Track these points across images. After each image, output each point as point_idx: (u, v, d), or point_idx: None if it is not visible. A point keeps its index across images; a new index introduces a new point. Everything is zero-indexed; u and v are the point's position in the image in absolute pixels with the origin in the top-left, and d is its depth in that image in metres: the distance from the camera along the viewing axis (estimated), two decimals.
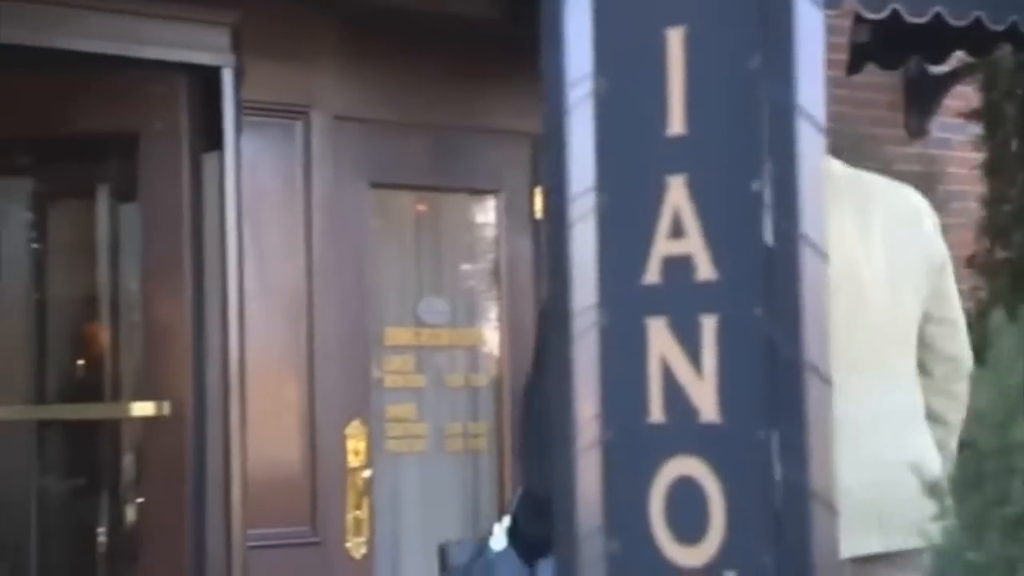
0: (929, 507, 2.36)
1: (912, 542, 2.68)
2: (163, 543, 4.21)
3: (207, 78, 4.33)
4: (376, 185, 5.20)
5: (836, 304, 2.91)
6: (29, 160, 4.97)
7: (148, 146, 4.32)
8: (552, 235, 1.99)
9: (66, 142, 4.65)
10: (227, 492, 4.27)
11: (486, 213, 5.56)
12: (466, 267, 5.58)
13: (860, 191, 3.11)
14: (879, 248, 3.03)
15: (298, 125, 4.93)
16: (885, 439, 2.92)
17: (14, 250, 4.93)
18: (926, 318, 3.08)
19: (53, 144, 4.72)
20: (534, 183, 5.47)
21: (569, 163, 1.94)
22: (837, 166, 3.12)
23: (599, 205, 1.95)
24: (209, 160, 4.42)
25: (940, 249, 3.14)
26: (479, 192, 5.52)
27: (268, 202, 4.70)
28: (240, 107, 4.35)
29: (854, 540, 2.71)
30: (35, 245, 5.09)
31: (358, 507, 4.82)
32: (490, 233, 5.53)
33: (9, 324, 4.89)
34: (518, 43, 5.05)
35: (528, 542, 2.29)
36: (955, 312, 3.13)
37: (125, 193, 4.82)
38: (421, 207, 5.57)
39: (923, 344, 3.09)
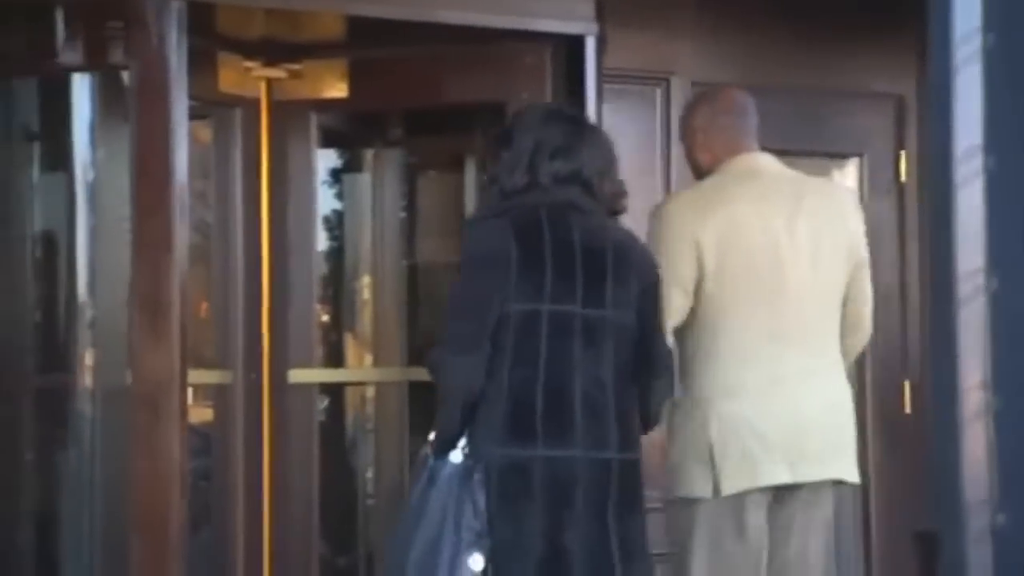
0: (838, 446, 3.58)
1: (820, 475, 3.59)
2: None
3: (569, 47, 4.39)
4: None
5: (760, 281, 3.51)
6: (401, 132, 5.17)
7: None
8: (935, 198, 1.94)
9: (436, 113, 4.81)
10: None
11: (847, 177, 5.46)
12: None
13: (792, 186, 3.69)
14: (804, 236, 3.61)
15: (658, 92, 4.97)
16: (804, 388, 3.59)
17: (388, 218, 5.14)
18: (843, 300, 3.71)
19: (424, 116, 4.89)
20: (899, 146, 5.34)
21: (955, 123, 1.89)
22: (771, 161, 3.74)
23: (987, 166, 1.89)
24: None
25: (861, 250, 3.73)
26: (839, 156, 5.42)
27: (629, 168, 4.70)
28: (602, 75, 4.40)
29: (769, 473, 3.54)
30: (403, 214, 5.29)
31: None
32: None
33: (383, 289, 5.11)
34: (886, 3, 4.95)
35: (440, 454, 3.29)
36: (864, 303, 3.76)
37: None
38: None
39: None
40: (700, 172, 3.81)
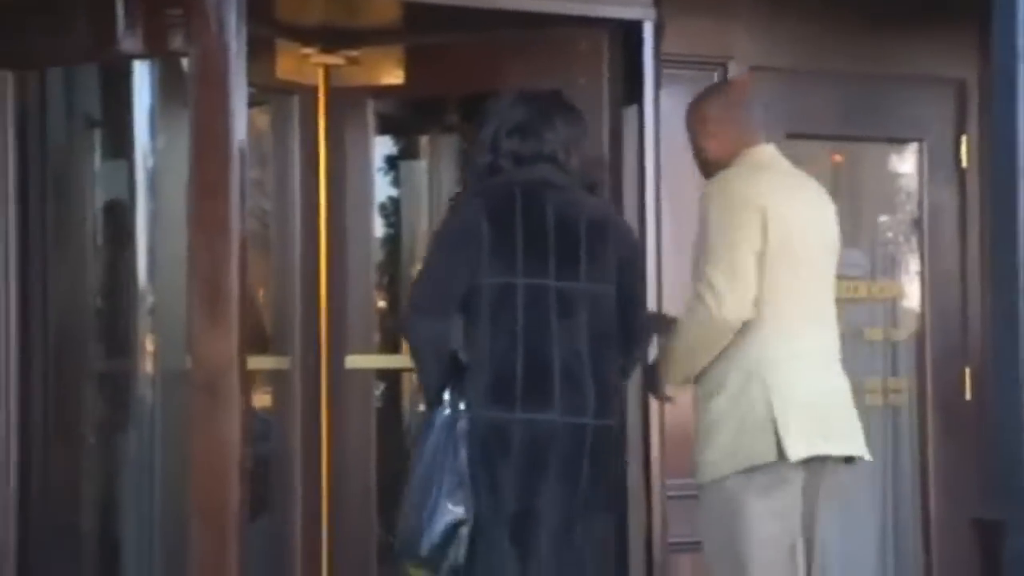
0: (854, 423, 3.75)
1: (844, 449, 3.70)
2: None
3: (627, 32, 4.38)
4: (792, 135, 5.15)
5: (794, 263, 3.65)
6: (457, 118, 5.17)
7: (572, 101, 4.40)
8: (997, 183, 1.92)
9: (492, 98, 4.80)
10: (646, 442, 4.34)
11: (906, 163, 5.43)
12: (884, 218, 5.47)
13: (796, 179, 3.81)
14: (811, 224, 3.75)
15: (716, 77, 4.95)
16: (826, 367, 3.76)
17: (444, 204, 5.14)
18: None
19: (480, 102, 4.87)
20: (960, 131, 5.30)
21: (1020, 108, 1.88)
22: (778, 153, 3.84)
23: None
24: (628, 113, 4.47)
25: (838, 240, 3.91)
26: (899, 141, 5.40)
27: (686, 154, 4.71)
28: (659, 60, 4.39)
29: (815, 444, 3.63)
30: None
31: None
32: (911, 183, 5.40)
33: None
34: None
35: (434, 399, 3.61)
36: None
37: None
38: (837, 157, 5.48)
39: None
40: (706, 161, 3.88)
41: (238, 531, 3.85)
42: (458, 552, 3.55)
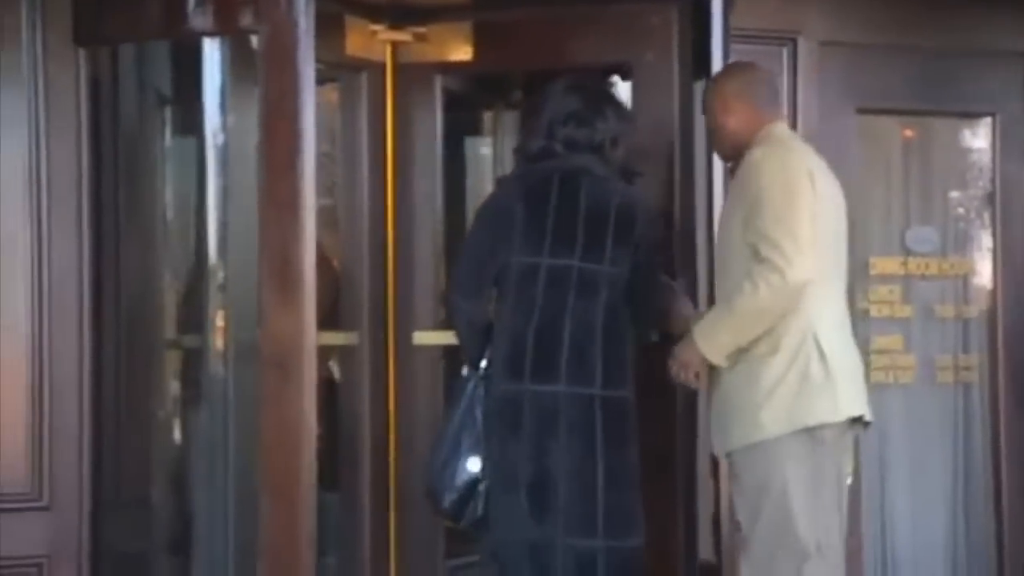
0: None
1: (869, 415, 3.81)
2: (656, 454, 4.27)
3: (696, 7, 4.36)
4: (862, 111, 5.14)
5: (824, 232, 3.68)
6: (522, 94, 5.16)
7: (640, 76, 4.38)
8: None
9: (559, 75, 4.78)
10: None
11: (978, 137, 5.38)
12: (956, 194, 5.43)
13: (811, 155, 3.83)
14: (836, 198, 3.82)
15: (784, 52, 4.93)
16: (850, 335, 3.84)
17: None
18: None
19: (545, 78, 4.87)
20: None
21: None
22: (790, 129, 3.97)
23: None
24: (698, 89, 4.45)
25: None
26: (971, 116, 5.34)
27: None
28: (728, 36, 4.36)
29: (859, 405, 3.74)
30: None
31: None
32: (983, 158, 5.35)
33: None
34: None
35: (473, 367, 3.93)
36: None
37: None
38: (908, 132, 5.44)
39: None
40: (724, 138, 3.91)
41: (308, 507, 3.88)
42: (477, 506, 3.85)
